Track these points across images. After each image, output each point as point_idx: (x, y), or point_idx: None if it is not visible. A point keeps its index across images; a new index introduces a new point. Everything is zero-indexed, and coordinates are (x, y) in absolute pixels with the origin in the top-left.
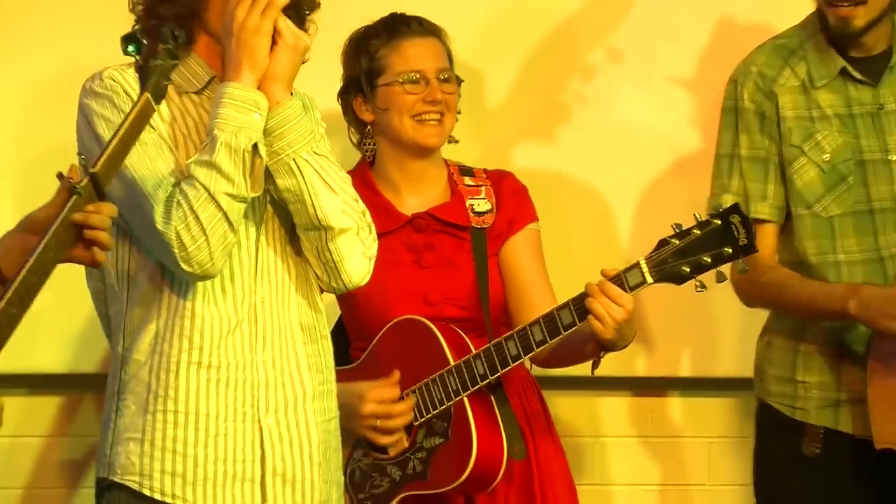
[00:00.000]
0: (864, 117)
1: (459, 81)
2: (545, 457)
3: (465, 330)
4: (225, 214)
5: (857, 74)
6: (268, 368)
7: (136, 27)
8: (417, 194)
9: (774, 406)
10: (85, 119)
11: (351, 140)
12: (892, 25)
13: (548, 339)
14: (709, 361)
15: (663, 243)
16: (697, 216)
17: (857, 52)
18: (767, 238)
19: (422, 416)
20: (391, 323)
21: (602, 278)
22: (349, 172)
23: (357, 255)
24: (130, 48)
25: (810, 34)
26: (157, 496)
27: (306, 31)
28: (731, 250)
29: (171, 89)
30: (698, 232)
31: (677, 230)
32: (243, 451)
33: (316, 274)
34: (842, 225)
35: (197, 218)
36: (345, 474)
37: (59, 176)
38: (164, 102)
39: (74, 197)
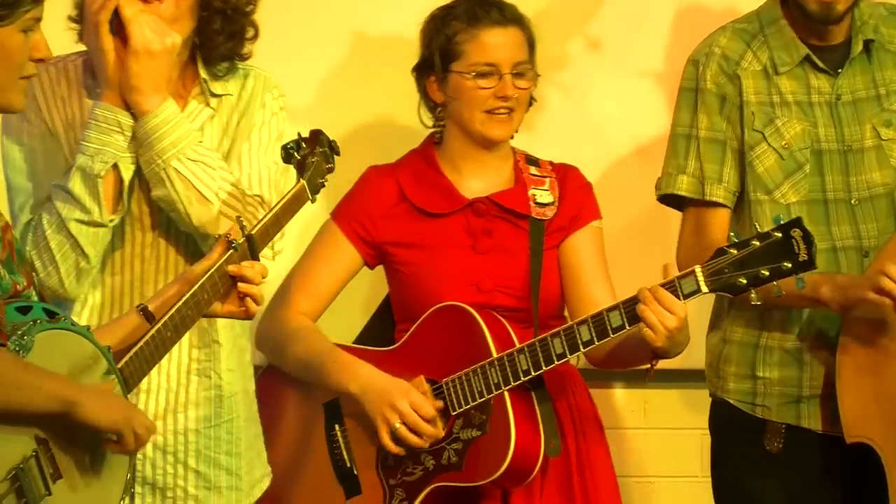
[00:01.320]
0: (822, 106)
1: (536, 76)
2: (588, 455)
3: (514, 321)
4: (76, 241)
5: (819, 63)
6: (151, 373)
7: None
8: (480, 178)
9: (733, 403)
10: None
11: (420, 116)
12: (852, 16)
13: (595, 340)
14: (703, 353)
15: (721, 252)
16: (758, 227)
17: (818, 41)
18: (721, 223)
19: (460, 407)
20: (434, 308)
21: (655, 284)
22: (412, 152)
23: None
24: (290, 145)
25: (771, 20)
26: None
27: (241, 34)
28: (790, 265)
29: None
30: (757, 243)
31: (737, 240)
32: None
33: None
34: (798, 213)
35: (48, 245)
36: (377, 458)
37: (218, 236)
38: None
39: (231, 251)
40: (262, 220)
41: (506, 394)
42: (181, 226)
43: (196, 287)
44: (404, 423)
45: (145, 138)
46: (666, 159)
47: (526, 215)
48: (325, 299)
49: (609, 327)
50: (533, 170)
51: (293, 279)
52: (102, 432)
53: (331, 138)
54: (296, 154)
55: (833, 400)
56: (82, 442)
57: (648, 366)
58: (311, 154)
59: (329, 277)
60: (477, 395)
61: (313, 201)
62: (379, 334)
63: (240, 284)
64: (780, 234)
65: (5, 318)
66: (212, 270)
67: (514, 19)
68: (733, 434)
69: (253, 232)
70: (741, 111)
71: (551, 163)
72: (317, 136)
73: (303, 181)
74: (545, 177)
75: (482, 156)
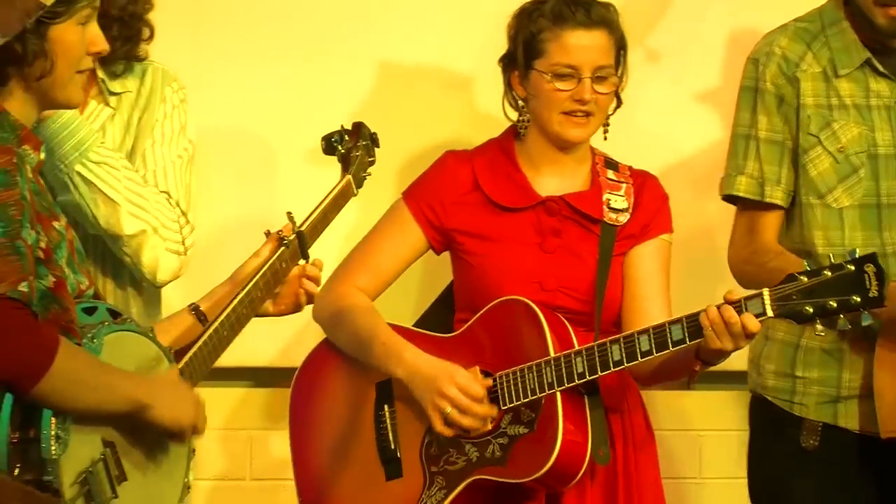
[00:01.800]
0: (881, 110)
1: (619, 80)
2: (636, 468)
3: (574, 323)
4: None
5: (879, 67)
6: None
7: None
8: (556, 178)
9: (771, 400)
10: None
11: (504, 109)
12: None
13: (654, 351)
14: None
15: (791, 279)
16: (831, 257)
17: (880, 44)
18: (775, 223)
19: (511, 402)
20: (499, 300)
21: (721, 303)
22: (492, 141)
23: (157, 253)
24: (334, 139)
25: (833, 20)
26: None
27: (137, 37)
28: (859, 299)
29: None
30: (829, 274)
31: (809, 267)
32: None
33: None
34: (850, 217)
35: None
36: (422, 444)
37: (267, 233)
38: None
39: (282, 248)
40: (310, 215)
41: (558, 394)
42: (89, 229)
43: (250, 285)
44: (455, 408)
45: (46, 144)
46: (727, 159)
47: (598, 219)
48: (386, 278)
49: (669, 340)
50: (610, 174)
51: (356, 253)
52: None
53: (372, 130)
54: (339, 147)
55: (870, 400)
56: (145, 443)
57: (693, 373)
58: (354, 147)
59: (392, 257)
60: (529, 393)
61: (356, 195)
62: (441, 320)
63: (304, 281)
64: (852, 267)
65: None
66: (265, 268)
67: (601, 21)
68: (770, 430)
69: (303, 228)
70: (797, 114)
71: (630, 168)
72: (359, 128)
73: (348, 176)
74: (622, 182)
75: (559, 156)
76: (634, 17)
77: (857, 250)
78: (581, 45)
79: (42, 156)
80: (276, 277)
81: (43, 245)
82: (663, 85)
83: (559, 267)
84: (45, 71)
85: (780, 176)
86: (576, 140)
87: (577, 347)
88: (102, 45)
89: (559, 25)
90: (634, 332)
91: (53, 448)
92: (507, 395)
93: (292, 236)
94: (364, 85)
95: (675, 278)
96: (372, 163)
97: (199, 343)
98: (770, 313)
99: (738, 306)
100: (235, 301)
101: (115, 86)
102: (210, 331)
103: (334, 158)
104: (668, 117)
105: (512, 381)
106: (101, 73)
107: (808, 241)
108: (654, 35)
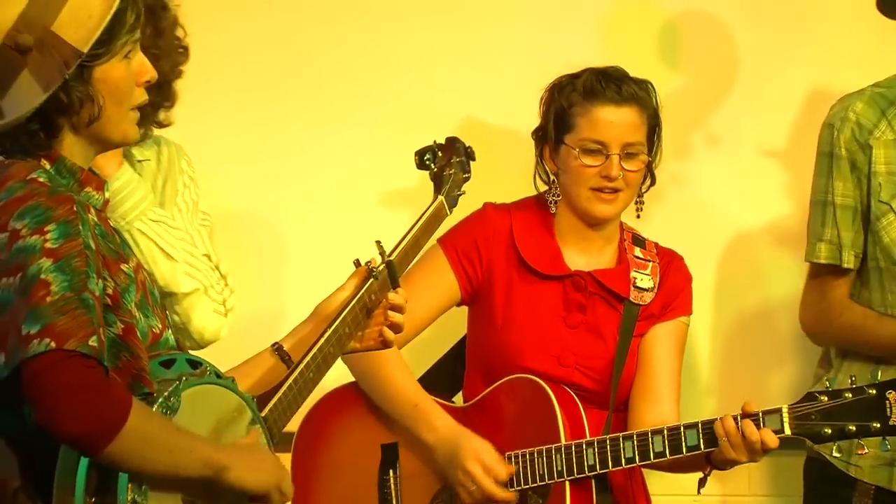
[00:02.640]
0: None
1: (650, 158)
2: None
3: (588, 401)
4: None
5: None
6: None
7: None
8: (584, 253)
9: (828, 459)
10: None
11: (535, 183)
12: None
13: (667, 454)
14: None
15: (811, 397)
16: (853, 379)
17: None
18: (846, 284)
19: (518, 485)
20: (513, 377)
21: (739, 415)
22: (533, 199)
23: (206, 313)
24: (427, 157)
25: None
26: None
27: (169, 103)
28: (879, 426)
29: None
30: (850, 396)
31: (829, 387)
32: None
33: None
34: None
35: None
36: None
37: (357, 262)
38: None
39: (371, 280)
40: (400, 243)
41: (567, 484)
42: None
43: (337, 322)
44: (478, 487)
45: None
46: (808, 226)
47: (624, 298)
48: (417, 326)
49: (684, 444)
50: (637, 251)
51: None
52: (249, 494)
53: (467, 144)
54: (432, 165)
55: None
56: (225, 502)
57: (702, 474)
58: (447, 165)
59: (426, 304)
60: (538, 478)
61: (449, 215)
62: (447, 376)
63: (390, 313)
64: (874, 392)
65: (148, 365)
66: (353, 302)
67: (632, 98)
68: (823, 489)
69: (392, 258)
70: (869, 181)
71: (657, 245)
72: (453, 143)
73: (441, 197)
74: (648, 261)
75: (587, 232)
76: (694, 97)
77: (881, 372)
78: (609, 120)
79: (107, 194)
80: (364, 311)
81: (110, 291)
82: (722, 164)
83: (580, 344)
84: (93, 116)
85: (853, 241)
86: (604, 217)
87: (588, 436)
88: (151, 73)
89: (589, 101)
90: (649, 431)
91: None
92: (515, 476)
93: (381, 267)
94: (375, 166)
95: (733, 362)
96: (467, 179)
97: (284, 388)
98: (788, 431)
99: (756, 420)
100: (322, 339)
101: (136, 153)
102: (295, 374)
103: (347, 247)
104: (726, 197)
105: (521, 463)
106: None
107: (881, 303)
108: (712, 116)
